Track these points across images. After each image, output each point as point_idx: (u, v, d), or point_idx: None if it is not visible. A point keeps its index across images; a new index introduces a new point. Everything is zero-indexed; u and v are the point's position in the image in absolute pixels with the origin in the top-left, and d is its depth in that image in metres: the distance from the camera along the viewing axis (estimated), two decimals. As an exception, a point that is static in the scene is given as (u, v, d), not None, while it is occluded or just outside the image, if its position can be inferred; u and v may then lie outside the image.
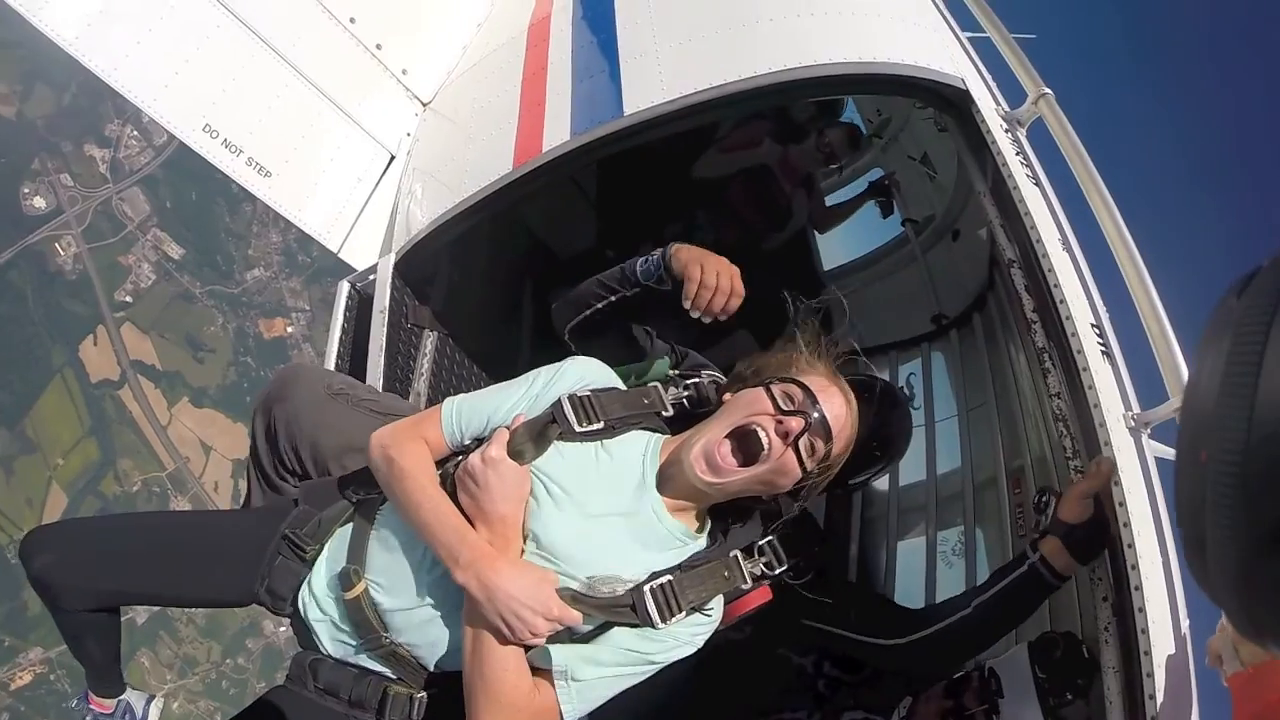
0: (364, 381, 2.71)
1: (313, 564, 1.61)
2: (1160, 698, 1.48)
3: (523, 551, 1.43)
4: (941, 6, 2.92)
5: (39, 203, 38.51)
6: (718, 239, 3.71)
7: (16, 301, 37.26)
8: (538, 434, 1.48)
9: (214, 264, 43.00)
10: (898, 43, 2.45)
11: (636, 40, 2.56)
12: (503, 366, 1.50)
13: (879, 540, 3.61)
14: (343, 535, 1.62)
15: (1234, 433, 0.51)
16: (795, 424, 1.44)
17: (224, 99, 2.94)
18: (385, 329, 2.77)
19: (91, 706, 2.00)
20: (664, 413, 1.61)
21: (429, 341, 3.04)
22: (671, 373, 1.73)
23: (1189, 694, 1.53)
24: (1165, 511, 1.63)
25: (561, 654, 1.39)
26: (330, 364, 2.91)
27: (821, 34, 2.41)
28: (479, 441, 1.52)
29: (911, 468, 3.67)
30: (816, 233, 4.13)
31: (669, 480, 1.51)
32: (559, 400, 1.52)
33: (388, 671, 1.52)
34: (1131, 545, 1.57)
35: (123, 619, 1.84)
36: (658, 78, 2.38)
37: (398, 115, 3.41)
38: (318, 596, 1.57)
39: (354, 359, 2.90)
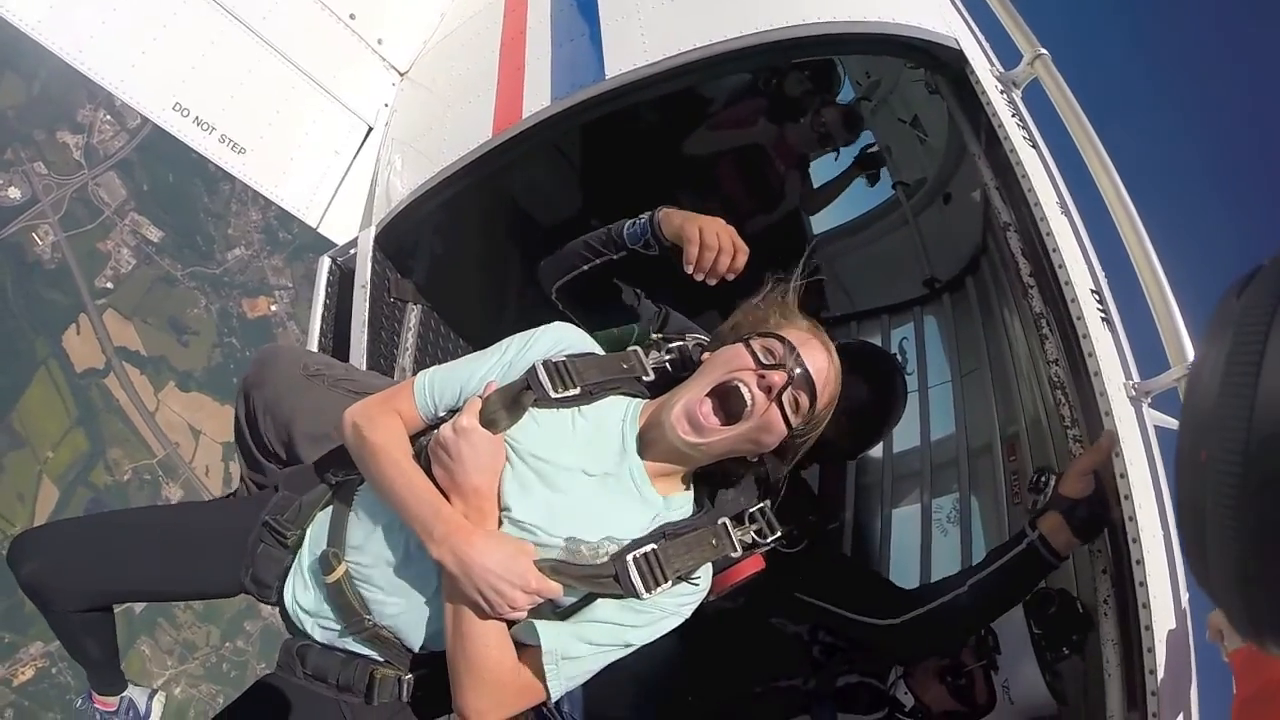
0: (348, 358, 2.67)
1: (295, 550, 1.58)
2: (1160, 673, 1.46)
3: (500, 523, 1.39)
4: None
5: (13, 193, 38.00)
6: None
7: None
8: (511, 401, 1.43)
9: (194, 245, 42.49)
10: (888, 1, 2.38)
11: (618, 1, 2.47)
12: (489, 338, 1.45)
13: (873, 507, 3.62)
14: (323, 519, 1.58)
15: (1234, 433, 0.51)
16: (778, 378, 1.39)
17: (194, 76, 2.84)
18: (368, 304, 2.72)
19: (96, 706, 2.01)
20: (645, 377, 1.55)
21: (413, 315, 2.98)
22: (654, 336, 1.66)
23: (1189, 669, 1.53)
24: (1166, 483, 1.61)
25: (550, 634, 1.35)
26: (313, 341, 2.87)
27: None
28: (454, 413, 1.46)
29: (906, 434, 3.67)
30: (805, 213, 4.08)
31: (651, 444, 1.46)
32: (534, 366, 1.46)
33: (374, 654, 1.50)
34: (1132, 518, 1.55)
35: (120, 609, 1.86)
36: (640, 40, 2.30)
37: (374, 86, 3.31)
38: (300, 583, 1.55)
39: (337, 335, 2.85)
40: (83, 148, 39.63)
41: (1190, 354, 1.53)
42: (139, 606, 34.62)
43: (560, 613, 1.39)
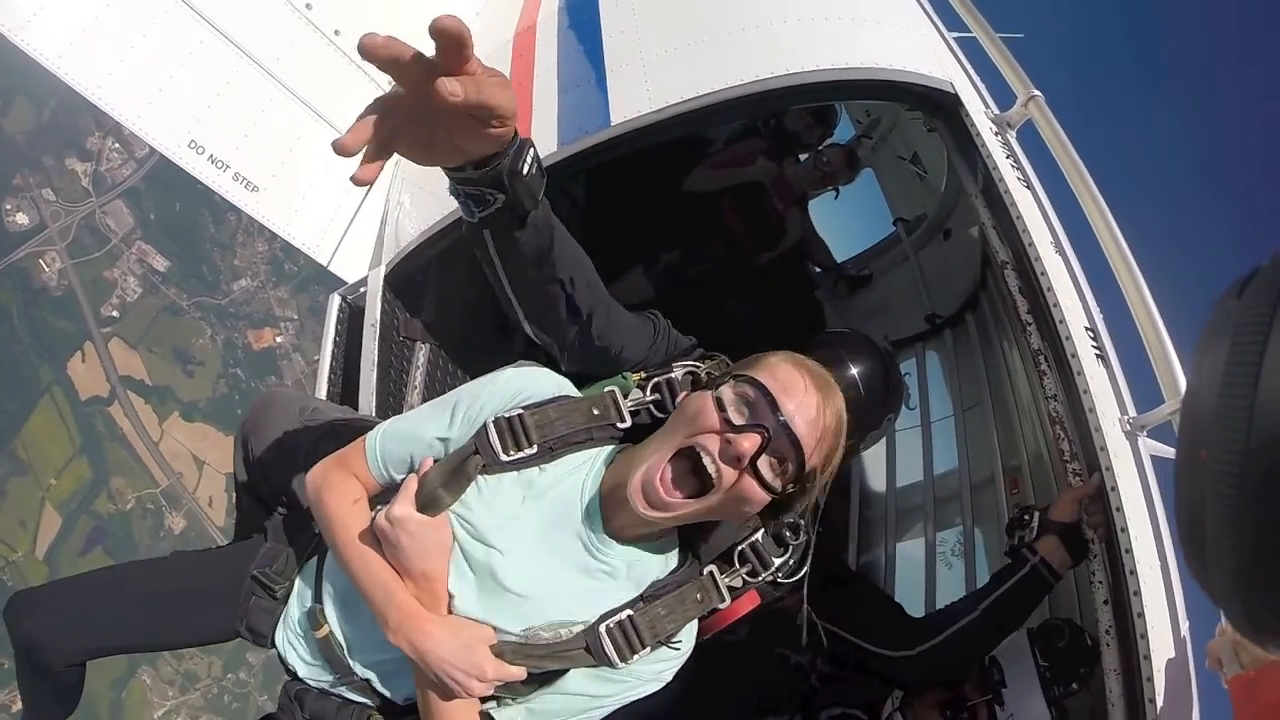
0: (357, 395, 2.71)
1: (285, 601, 1.59)
2: (1161, 701, 1.48)
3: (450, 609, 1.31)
4: (928, 8, 2.92)
5: (21, 219, 38.26)
6: (707, 254, 3.72)
7: (1, 320, 36.94)
8: (452, 474, 1.30)
9: (200, 275, 42.84)
10: (884, 47, 2.44)
11: (623, 49, 2.54)
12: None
13: (877, 541, 3.62)
14: (310, 569, 1.58)
15: (1234, 433, 0.51)
16: (747, 445, 1.19)
17: (209, 115, 2.91)
18: (377, 342, 2.75)
19: None
20: (619, 424, 1.37)
21: (421, 354, 3.01)
22: (635, 379, 1.45)
23: (1189, 697, 1.54)
24: (1164, 515, 1.64)
25: (505, 717, 1.32)
26: (323, 378, 2.89)
27: (807, 41, 2.40)
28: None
29: (909, 468, 3.68)
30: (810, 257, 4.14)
31: (618, 505, 1.28)
32: (484, 426, 1.31)
33: (368, 701, 1.51)
34: (1129, 550, 1.59)
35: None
36: (644, 87, 2.36)
37: (385, 125, 3.39)
38: (291, 634, 1.56)
39: (347, 373, 2.88)
40: (91, 175, 40.09)
41: (1184, 388, 1.57)
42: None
43: (531, 681, 1.31)
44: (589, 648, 1.28)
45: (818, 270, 4.21)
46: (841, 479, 3.63)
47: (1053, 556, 1.89)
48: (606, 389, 1.39)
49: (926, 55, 2.47)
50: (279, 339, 44.08)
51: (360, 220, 3.22)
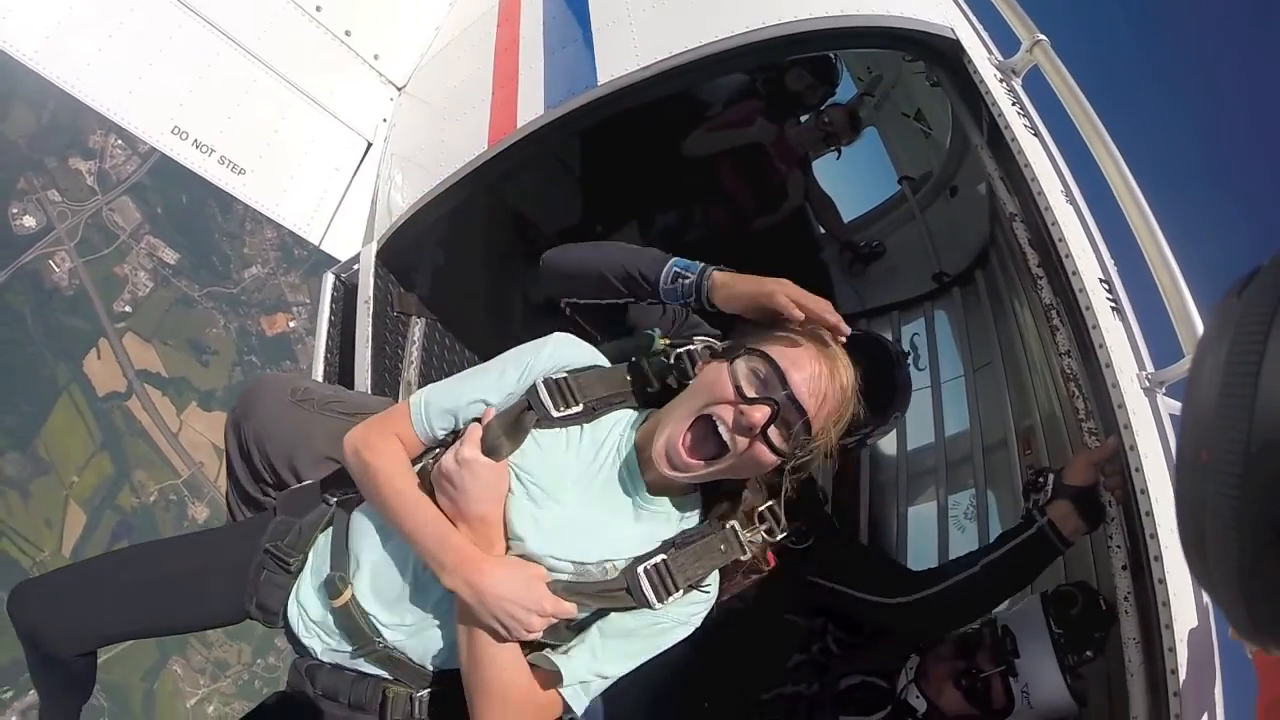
0: (353, 373, 2.69)
1: (298, 574, 1.57)
2: (1183, 673, 1.42)
3: (508, 549, 1.39)
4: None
5: (28, 221, 38.13)
6: (706, 217, 3.64)
7: (15, 323, 37.18)
8: (511, 425, 1.41)
9: (210, 265, 42.70)
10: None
11: (609, 7, 2.45)
12: (493, 348, 1.42)
13: (889, 505, 3.58)
14: (324, 540, 1.58)
15: (1235, 434, 0.51)
16: (758, 416, 1.30)
17: (191, 99, 2.87)
18: (371, 319, 2.72)
19: None
20: (649, 389, 1.50)
21: (417, 329, 2.98)
22: (661, 343, 1.56)
23: (1212, 667, 1.49)
24: None
25: (569, 665, 1.36)
26: (319, 357, 2.90)
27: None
28: (455, 434, 1.45)
29: (919, 430, 3.62)
30: (814, 218, 4.04)
31: (648, 462, 1.41)
32: (534, 385, 1.43)
33: (384, 673, 1.50)
34: (1149, 513, 1.52)
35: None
36: (632, 44, 2.28)
37: (372, 101, 3.32)
38: (306, 607, 1.54)
39: (344, 351, 2.86)
40: (95, 173, 39.73)
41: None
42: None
43: (574, 626, 1.39)
44: (629, 589, 1.36)
45: (823, 232, 4.12)
46: (846, 492, 3.61)
47: (1064, 523, 1.81)
48: (635, 359, 1.52)
49: (926, 0, 2.36)
50: (292, 324, 43.43)
51: (351, 197, 3.18)
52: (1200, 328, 1.52)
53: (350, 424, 1.54)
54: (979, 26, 2.43)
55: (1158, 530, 1.49)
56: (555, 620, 1.34)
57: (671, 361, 1.50)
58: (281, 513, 1.67)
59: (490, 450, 1.38)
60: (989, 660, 2.02)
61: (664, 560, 1.37)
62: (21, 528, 35.39)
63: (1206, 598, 1.48)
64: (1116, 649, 1.66)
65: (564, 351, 1.50)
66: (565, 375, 1.45)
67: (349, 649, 1.50)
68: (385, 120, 3.30)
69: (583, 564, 1.37)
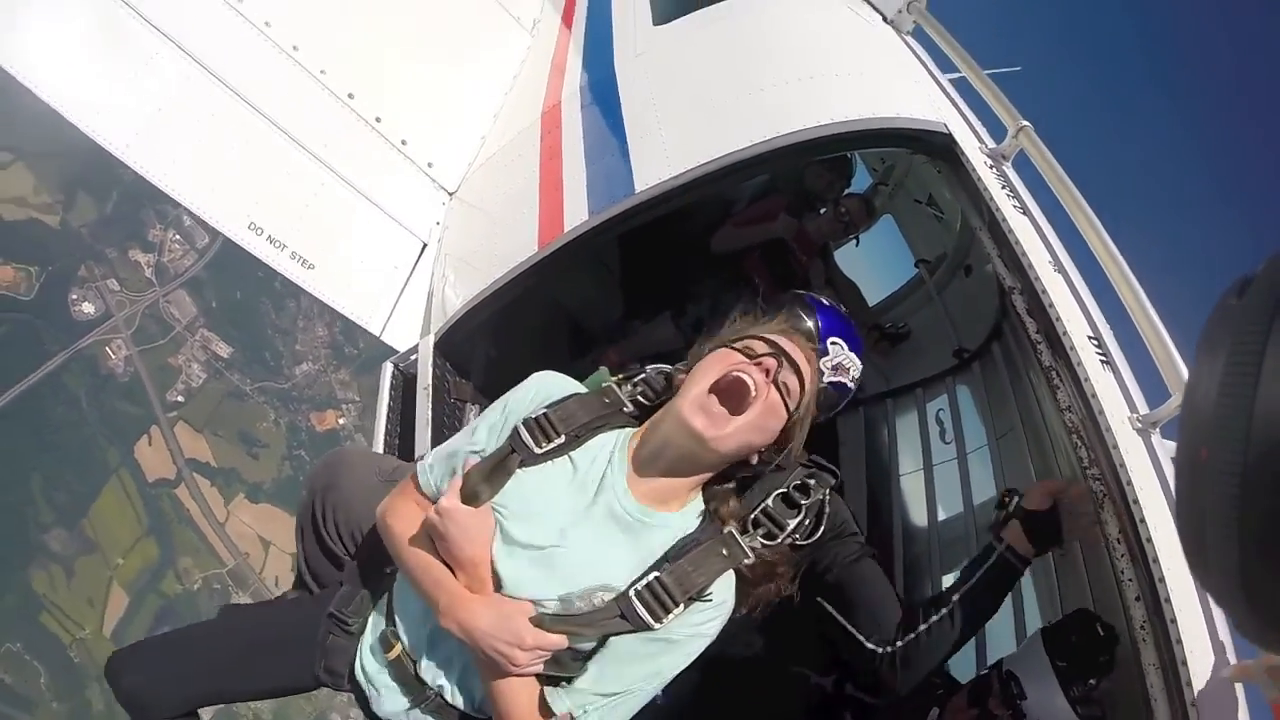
0: (412, 456, 2.84)
1: (360, 636, 1.69)
2: (1199, 686, 1.50)
3: (500, 587, 1.44)
4: (921, 53, 3.12)
5: (87, 308, 39.67)
6: (734, 307, 3.84)
7: (70, 404, 38.09)
8: (493, 470, 1.47)
9: (263, 360, 43.86)
10: (880, 96, 2.64)
11: (641, 120, 2.77)
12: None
13: (924, 575, 3.59)
14: (382, 605, 1.70)
15: (1234, 433, 0.51)
16: (772, 362, 1.45)
17: (266, 199, 3.19)
18: (430, 404, 2.90)
19: None
20: (626, 409, 1.57)
21: (472, 414, 3.15)
22: (610, 380, 1.66)
23: (1234, 701, 1.54)
24: None
25: (564, 699, 1.40)
26: (379, 441, 3.05)
27: (806, 99, 2.62)
28: None
29: (949, 501, 3.67)
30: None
31: (649, 463, 1.47)
32: (516, 429, 1.50)
33: None
34: (1150, 540, 1.63)
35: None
36: (663, 154, 2.57)
37: (426, 205, 3.66)
38: (367, 665, 1.65)
39: (402, 435, 3.03)
40: (154, 266, 41.56)
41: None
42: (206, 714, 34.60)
43: (581, 657, 1.42)
44: (623, 614, 1.38)
45: None
46: (883, 518, 3.68)
47: (1017, 542, 1.93)
48: (604, 383, 1.62)
49: (920, 99, 2.65)
50: (342, 420, 44.45)
51: (409, 293, 3.46)
52: (1183, 369, 1.68)
53: None
54: (970, 118, 2.70)
55: (1159, 555, 1.62)
56: (542, 653, 1.38)
57: (635, 386, 1.60)
58: (347, 583, 1.77)
59: (469, 498, 1.45)
60: (999, 705, 2.05)
61: (657, 578, 1.39)
62: (64, 604, 35.61)
63: (1222, 632, 1.55)
64: (1127, 671, 1.73)
65: (544, 388, 1.57)
66: (545, 411, 1.50)
67: (407, 703, 1.59)
68: (438, 223, 3.64)
69: (568, 595, 1.40)
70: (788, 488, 1.62)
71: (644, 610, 1.38)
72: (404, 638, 1.60)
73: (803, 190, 4.04)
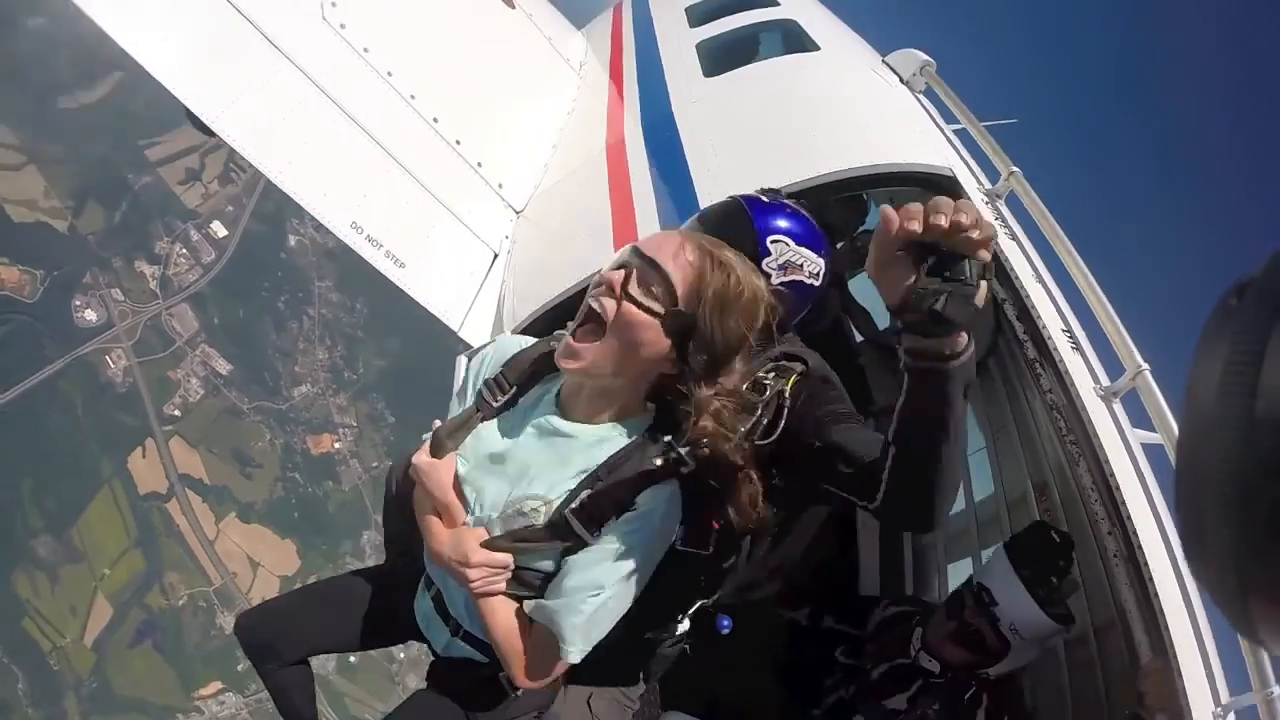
0: None
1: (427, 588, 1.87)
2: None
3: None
4: (930, 109, 3.71)
5: (90, 315, 39.68)
6: None
7: (67, 411, 37.93)
8: (457, 427, 1.63)
9: (261, 380, 43.45)
10: (897, 145, 3.23)
11: (701, 153, 3.31)
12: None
13: (931, 567, 4.06)
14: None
15: (1234, 433, 0.50)
16: (615, 277, 1.43)
17: (366, 204, 3.61)
18: None
19: None
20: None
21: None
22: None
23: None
24: (1144, 457, 2.23)
25: (534, 604, 1.53)
26: None
27: (837, 145, 3.20)
28: None
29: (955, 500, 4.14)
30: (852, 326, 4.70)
31: (573, 394, 1.56)
32: (479, 391, 1.65)
33: (478, 655, 1.74)
34: (1118, 488, 2.13)
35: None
36: (720, 185, 3.07)
37: (497, 220, 4.11)
38: (421, 608, 1.86)
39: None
40: (159, 278, 41.57)
41: (1140, 362, 2.21)
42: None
43: (544, 577, 1.55)
44: (561, 531, 1.49)
45: (861, 339, 4.80)
46: (890, 544, 4.08)
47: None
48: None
49: (930, 148, 3.23)
50: (337, 445, 44.11)
51: (482, 295, 3.88)
52: (1135, 351, 2.23)
53: None
54: (970, 163, 3.28)
55: (1123, 492, 2.14)
56: (491, 570, 1.51)
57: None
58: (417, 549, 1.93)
59: (436, 450, 1.61)
60: (975, 615, 2.30)
61: (589, 494, 1.47)
62: (46, 611, 35.18)
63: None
64: (1081, 569, 2.20)
65: (502, 349, 1.71)
66: (501, 370, 1.64)
67: (447, 636, 1.78)
68: (507, 237, 4.09)
69: (512, 513, 1.52)
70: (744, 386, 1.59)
71: (578, 525, 1.47)
72: (434, 579, 1.77)
73: (824, 225, 4.54)
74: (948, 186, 3.08)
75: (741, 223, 2.05)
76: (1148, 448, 2.34)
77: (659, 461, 1.48)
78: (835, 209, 4.51)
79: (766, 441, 1.60)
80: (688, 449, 1.47)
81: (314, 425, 44.14)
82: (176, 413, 40.93)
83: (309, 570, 40.10)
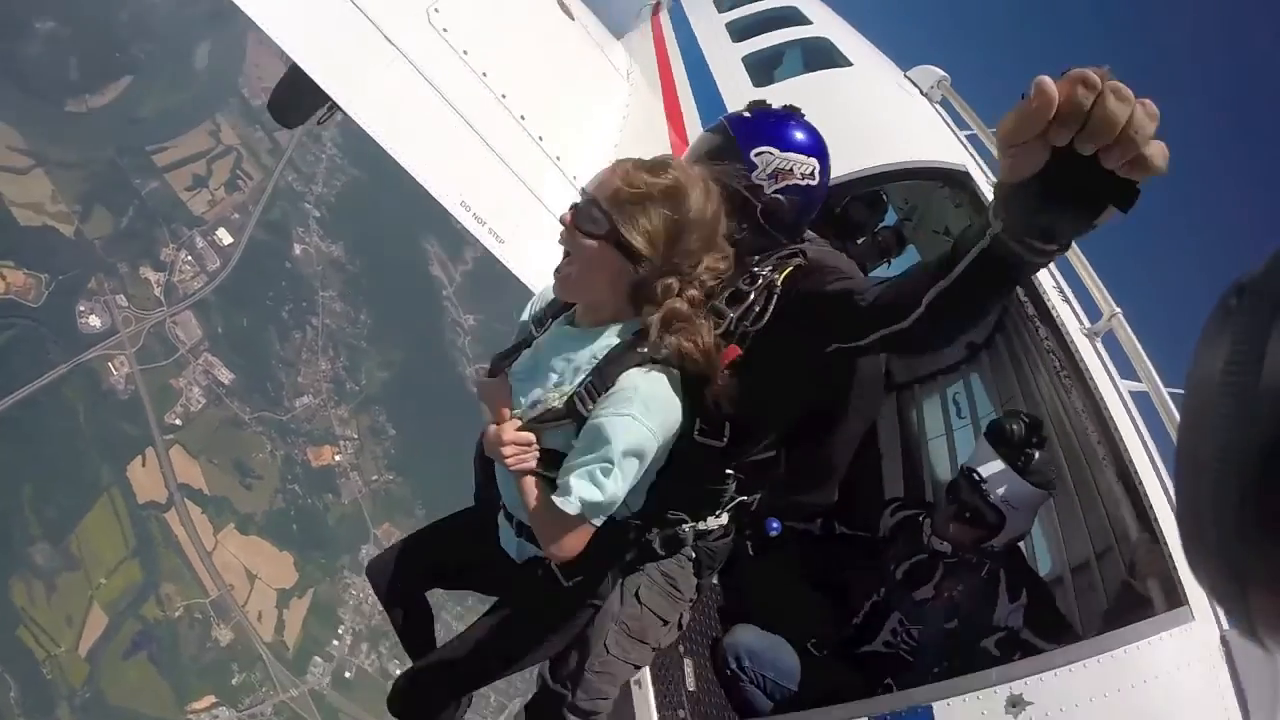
0: None
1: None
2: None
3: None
4: (947, 117, 4.39)
5: (94, 321, 39.60)
6: None
7: (68, 417, 37.66)
8: (509, 353, 1.98)
9: (264, 390, 43.18)
10: (919, 146, 3.90)
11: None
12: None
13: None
14: None
15: (1234, 433, 0.50)
16: (566, 215, 1.74)
17: (473, 185, 4.04)
18: None
19: None
20: None
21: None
22: None
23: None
24: (1117, 375, 2.84)
25: (568, 478, 1.71)
26: None
27: (869, 146, 3.83)
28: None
29: (966, 456, 4.65)
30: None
31: (578, 314, 1.90)
32: (527, 323, 2.03)
33: (535, 547, 1.99)
34: (1100, 396, 2.75)
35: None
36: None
37: (573, 207, 4.71)
38: (503, 531, 2.14)
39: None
40: (163, 285, 41.49)
41: (1113, 306, 2.86)
42: None
43: (557, 454, 1.81)
44: (571, 413, 1.76)
45: None
46: (916, 470, 4.69)
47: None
48: None
49: (947, 149, 3.91)
50: (338, 457, 43.92)
51: None
52: (1108, 297, 2.87)
53: None
54: (982, 164, 3.92)
55: (1102, 394, 2.75)
56: (518, 446, 1.78)
57: None
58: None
59: (494, 373, 1.97)
60: (969, 494, 2.61)
61: (589, 377, 1.75)
62: (42, 619, 34.59)
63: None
64: (1053, 447, 2.73)
65: (543, 293, 2.06)
66: (542, 307, 2.02)
67: (513, 533, 2.05)
68: None
69: (536, 400, 1.82)
70: (736, 284, 1.86)
71: (579, 404, 1.75)
72: (502, 493, 2.04)
73: (847, 222, 5.11)
74: (962, 183, 3.75)
75: (725, 142, 2.07)
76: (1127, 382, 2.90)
77: (643, 349, 1.73)
78: (856, 207, 5.07)
79: (758, 325, 1.79)
80: (657, 337, 1.71)
81: (315, 437, 43.79)
82: (178, 421, 40.38)
83: (306, 584, 39.72)
